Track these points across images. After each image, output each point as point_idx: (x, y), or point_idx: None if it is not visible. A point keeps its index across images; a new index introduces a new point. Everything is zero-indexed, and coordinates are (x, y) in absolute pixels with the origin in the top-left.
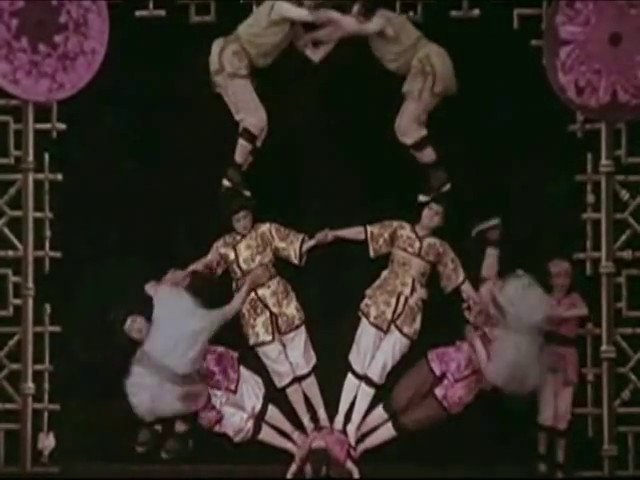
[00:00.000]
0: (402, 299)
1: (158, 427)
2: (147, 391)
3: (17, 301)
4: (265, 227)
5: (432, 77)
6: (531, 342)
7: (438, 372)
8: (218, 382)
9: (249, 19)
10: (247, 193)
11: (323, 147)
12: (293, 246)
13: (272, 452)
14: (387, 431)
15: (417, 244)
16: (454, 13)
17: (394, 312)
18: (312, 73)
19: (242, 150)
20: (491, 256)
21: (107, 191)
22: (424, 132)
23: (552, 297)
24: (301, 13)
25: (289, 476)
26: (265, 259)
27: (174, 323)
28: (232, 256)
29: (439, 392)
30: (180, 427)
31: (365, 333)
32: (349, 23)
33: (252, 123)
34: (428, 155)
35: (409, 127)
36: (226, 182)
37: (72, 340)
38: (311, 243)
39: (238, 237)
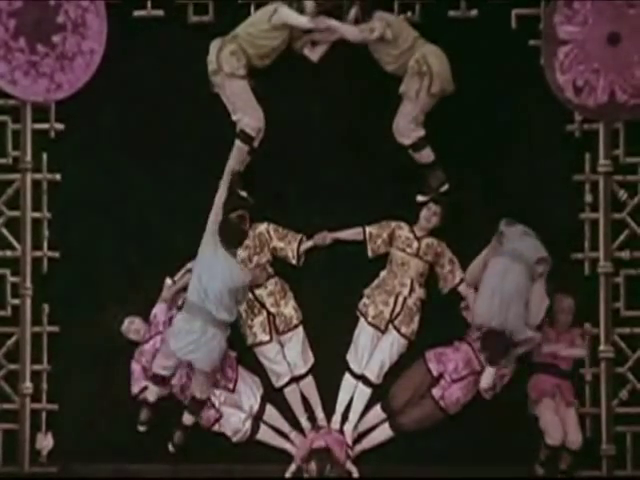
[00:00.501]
0: (400, 299)
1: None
2: (190, 335)
3: (15, 301)
4: (263, 227)
5: (429, 77)
6: (519, 273)
7: (435, 372)
8: (217, 381)
9: (249, 19)
10: (243, 193)
11: (322, 147)
12: (291, 246)
13: (270, 451)
14: (384, 432)
15: (415, 244)
16: (452, 13)
17: (392, 312)
18: (311, 73)
19: (239, 151)
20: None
21: (105, 191)
22: (422, 133)
23: (553, 330)
24: (302, 20)
25: (288, 475)
26: (262, 259)
27: (210, 275)
28: None
29: (436, 392)
30: (188, 420)
31: (363, 333)
32: (351, 32)
33: (249, 124)
34: (426, 156)
35: (407, 128)
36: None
37: (70, 340)
38: (309, 244)
39: None
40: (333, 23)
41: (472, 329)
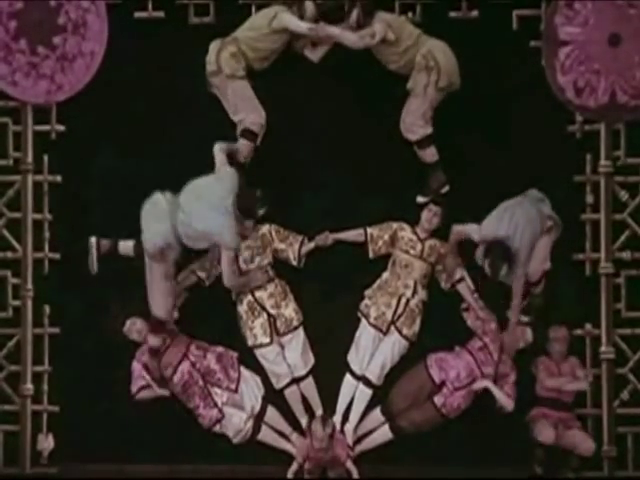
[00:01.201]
0: (403, 301)
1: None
2: (151, 219)
3: (16, 302)
4: (265, 228)
5: (436, 72)
6: (533, 212)
7: (437, 380)
8: (219, 380)
9: (249, 22)
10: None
11: (322, 147)
12: (292, 248)
13: (271, 452)
14: (384, 433)
15: (419, 246)
16: (453, 14)
17: (394, 313)
18: (311, 73)
19: (244, 149)
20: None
21: (106, 192)
22: (430, 130)
23: (552, 362)
24: (302, 27)
25: (290, 475)
26: (264, 261)
27: (204, 210)
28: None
29: (438, 400)
30: (153, 341)
31: (364, 334)
32: (351, 40)
33: (253, 122)
34: (430, 154)
35: (414, 124)
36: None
37: (71, 342)
38: (311, 246)
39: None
40: (333, 31)
41: (478, 248)
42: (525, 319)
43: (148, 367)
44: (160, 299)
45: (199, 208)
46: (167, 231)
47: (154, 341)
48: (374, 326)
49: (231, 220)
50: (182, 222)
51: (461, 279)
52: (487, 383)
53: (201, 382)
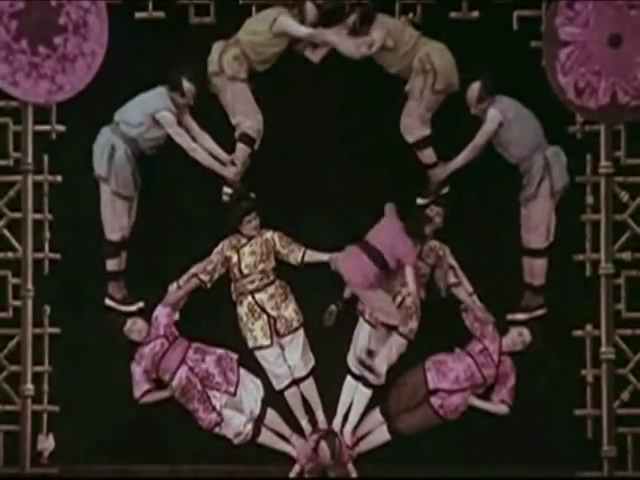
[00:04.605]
0: (398, 299)
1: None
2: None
3: (17, 303)
4: (269, 234)
5: (433, 75)
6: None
7: (431, 386)
8: (218, 384)
9: (250, 25)
10: (252, 195)
11: (323, 149)
12: (294, 254)
13: (272, 453)
14: (381, 435)
15: (418, 246)
16: (453, 15)
17: None
18: (312, 74)
19: (241, 154)
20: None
21: None
22: (427, 132)
23: None
24: (302, 31)
25: (292, 475)
26: (268, 267)
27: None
28: (235, 259)
29: (435, 401)
30: (110, 266)
31: (362, 332)
32: (349, 49)
33: (250, 126)
34: (428, 156)
35: (412, 126)
36: (226, 188)
37: (71, 342)
38: (316, 257)
39: (243, 240)
40: (331, 38)
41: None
42: (523, 317)
43: (147, 372)
44: (111, 220)
45: (132, 102)
46: (107, 133)
47: (111, 265)
48: (369, 322)
49: (166, 98)
50: (120, 120)
51: (458, 282)
52: (474, 401)
53: (199, 386)
